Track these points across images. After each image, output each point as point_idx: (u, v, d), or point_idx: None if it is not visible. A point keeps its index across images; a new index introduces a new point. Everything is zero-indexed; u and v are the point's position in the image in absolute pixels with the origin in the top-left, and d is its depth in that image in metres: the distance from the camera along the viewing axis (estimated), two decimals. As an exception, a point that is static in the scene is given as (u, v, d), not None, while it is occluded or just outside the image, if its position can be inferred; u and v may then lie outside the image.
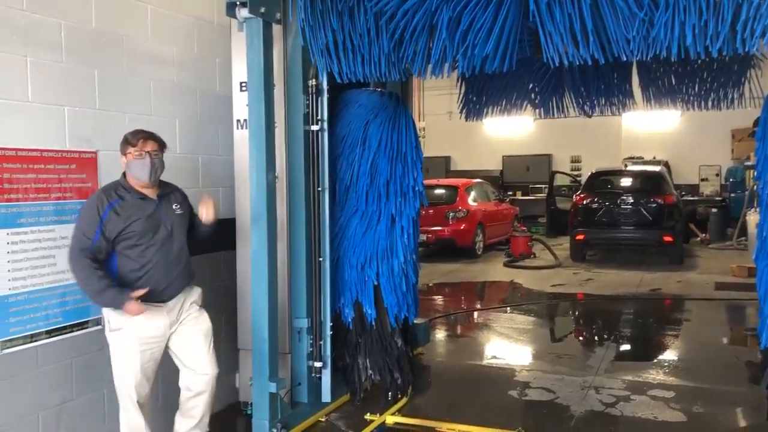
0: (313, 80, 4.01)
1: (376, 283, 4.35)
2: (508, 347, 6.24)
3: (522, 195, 17.11)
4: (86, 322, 3.46)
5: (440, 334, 6.68)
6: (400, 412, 4.30)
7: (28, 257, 3.19)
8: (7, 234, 3.08)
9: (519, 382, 4.96)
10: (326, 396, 4.22)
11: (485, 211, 12.12)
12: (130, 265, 3.19)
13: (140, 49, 3.78)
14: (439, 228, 11.13)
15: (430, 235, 10.90)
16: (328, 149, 4.14)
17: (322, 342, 4.18)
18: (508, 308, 7.82)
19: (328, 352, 4.18)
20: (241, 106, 4.03)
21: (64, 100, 3.31)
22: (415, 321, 4.99)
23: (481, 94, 5.25)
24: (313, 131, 4.06)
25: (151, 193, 3.25)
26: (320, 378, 4.19)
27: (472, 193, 12.12)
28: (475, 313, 7.70)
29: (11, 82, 3.07)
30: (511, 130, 17.22)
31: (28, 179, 3.17)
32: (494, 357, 5.86)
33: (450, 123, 15.78)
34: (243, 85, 3.93)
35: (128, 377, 3.20)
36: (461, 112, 5.39)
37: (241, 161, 4.03)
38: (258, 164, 3.67)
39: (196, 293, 3.51)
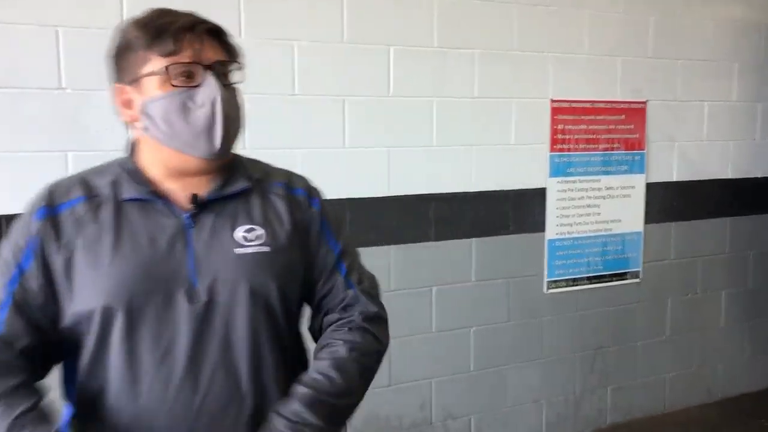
0: None
1: None
2: None
3: None
4: (624, 274, 3.46)
5: None
6: None
7: (575, 205, 3.33)
8: (558, 182, 3.27)
9: None
10: None
11: None
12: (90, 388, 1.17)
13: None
14: None
15: None
16: None
17: None
18: None
19: None
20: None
21: (617, 50, 3.29)
22: None
23: None
24: None
25: (189, 188, 1.20)
26: None
27: None
28: None
29: (567, 35, 3.19)
30: None
31: (579, 130, 3.28)
32: None
33: None
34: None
35: None
36: None
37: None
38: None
39: None
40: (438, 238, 2.97)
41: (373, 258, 2.82)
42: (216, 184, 1.21)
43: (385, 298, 2.93)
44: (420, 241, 2.94)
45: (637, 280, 3.48)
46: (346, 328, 1.26)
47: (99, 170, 1.24)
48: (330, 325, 1.29)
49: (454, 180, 2.98)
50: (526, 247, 3.19)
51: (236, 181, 1.24)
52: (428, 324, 3.01)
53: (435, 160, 2.93)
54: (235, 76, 1.21)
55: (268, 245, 1.21)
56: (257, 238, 1.21)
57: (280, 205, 1.27)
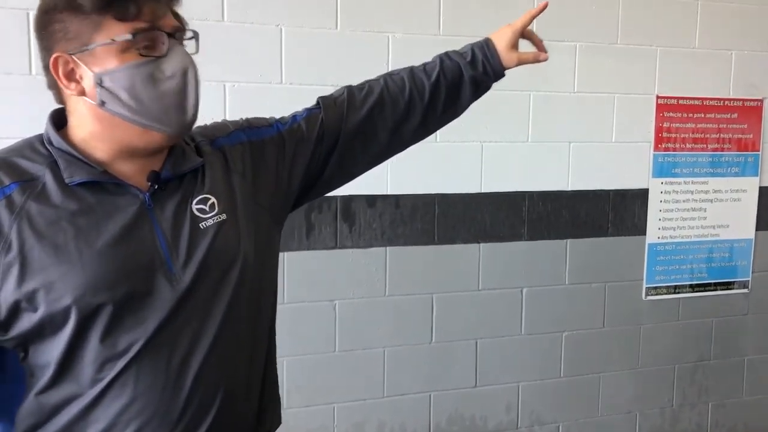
0: None
1: None
2: None
3: None
4: (731, 283, 3.24)
5: None
6: None
7: (679, 207, 3.14)
8: (661, 183, 3.09)
9: None
10: None
11: None
12: (53, 395, 1.05)
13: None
14: None
15: None
16: None
17: None
18: None
19: None
20: None
21: (732, 43, 3.08)
22: None
23: None
24: None
25: (142, 168, 1.08)
26: None
27: None
28: None
29: (677, 27, 3.01)
30: None
31: (686, 129, 3.10)
32: None
33: None
34: None
35: None
36: None
37: None
38: None
39: None
40: (531, 238, 2.88)
41: (462, 255, 2.80)
42: (170, 162, 1.10)
43: (473, 297, 2.88)
44: (512, 240, 2.86)
45: (745, 291, 3.26)
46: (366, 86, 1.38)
47: (16, 151, 1.05)
48: (356, 100, 1.34)
49: (549, 178, 2.88)
50: (624, 251, 3.05)
51: (189, 157, 1.13)
52: (517, 326, 2.92)
53: (530, 156, 2.84)
54: (188, 47, 1.09)
55: (224, 212, 1.11)
56: (211, 207, 1.10)
57: (217, 164, 1.16)
